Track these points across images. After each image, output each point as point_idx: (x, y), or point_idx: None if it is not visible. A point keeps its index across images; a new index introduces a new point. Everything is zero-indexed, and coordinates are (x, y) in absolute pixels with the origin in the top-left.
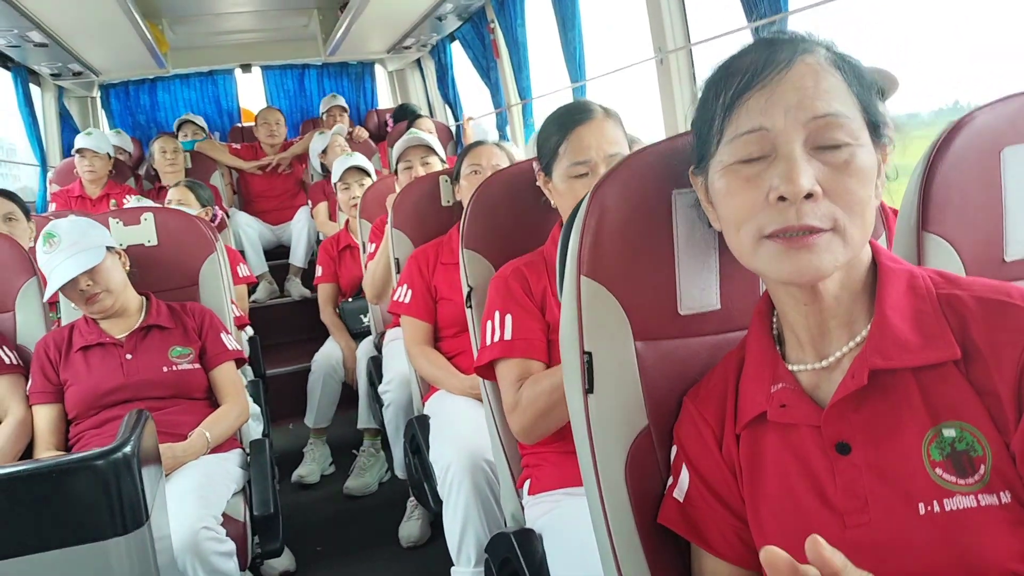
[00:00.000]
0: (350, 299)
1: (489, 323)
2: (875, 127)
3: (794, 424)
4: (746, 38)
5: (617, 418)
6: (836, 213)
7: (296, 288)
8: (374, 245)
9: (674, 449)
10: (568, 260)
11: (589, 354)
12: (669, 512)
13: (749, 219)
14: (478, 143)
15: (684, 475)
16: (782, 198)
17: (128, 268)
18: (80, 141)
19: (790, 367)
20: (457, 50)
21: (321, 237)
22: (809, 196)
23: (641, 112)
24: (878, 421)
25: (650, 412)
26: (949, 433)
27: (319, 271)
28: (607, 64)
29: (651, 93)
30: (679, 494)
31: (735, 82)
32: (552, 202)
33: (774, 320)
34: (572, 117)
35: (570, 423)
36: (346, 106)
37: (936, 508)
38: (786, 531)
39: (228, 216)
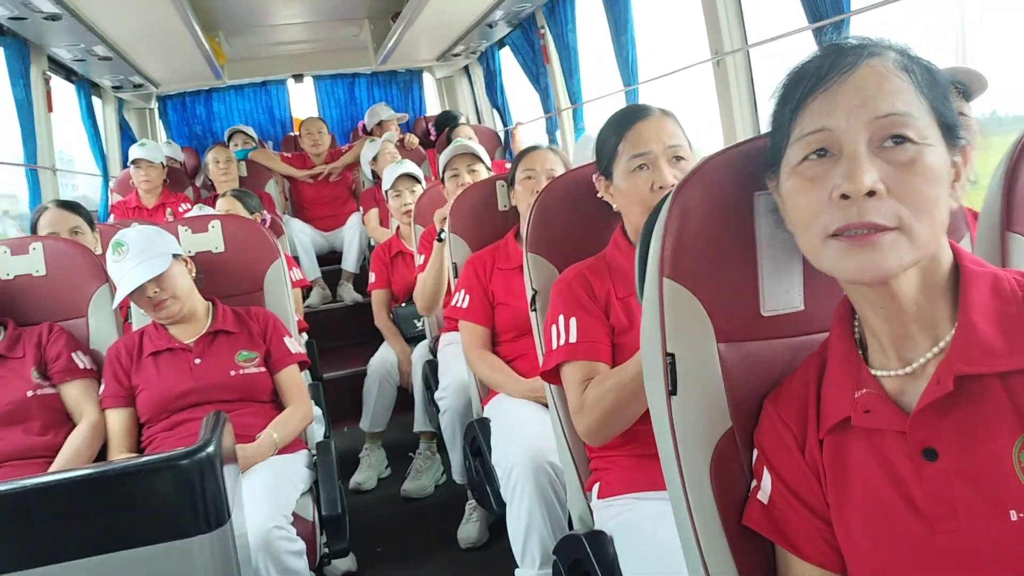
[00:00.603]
0: (403, 304)
1: (553, 327)
2: (949, 129)
3: (879, 430)
4: (806, 39)
5: (701, 420)
6: (901, 211)
7: (348, 293)
8: (423, 257)
9: (755, 452)
10: (649, 262)
11: (672, 356)
12: (754, 514)
13: (814, 219)
14: (532, 148)
15: (766, 478)
16: (845, 196)
17: (195, 275)
18: (135, 152)
19: (873, 372)
20: (505, 56)
21: (372, 243)
22: (872, 194)
23: (697, 117)
24: (966, 427)
25: (733, 413)
26: None
27: (372, 278)
28: (660, 67)
29: (707, 98)
30: (763, 496)
31: (802, 86)
32: (614, 206)
33: (856, 324)
34: (629, 117)
35: (637, 426)
36: (392, 113)
37: None
38: (873, 535)
39: (282, 223)
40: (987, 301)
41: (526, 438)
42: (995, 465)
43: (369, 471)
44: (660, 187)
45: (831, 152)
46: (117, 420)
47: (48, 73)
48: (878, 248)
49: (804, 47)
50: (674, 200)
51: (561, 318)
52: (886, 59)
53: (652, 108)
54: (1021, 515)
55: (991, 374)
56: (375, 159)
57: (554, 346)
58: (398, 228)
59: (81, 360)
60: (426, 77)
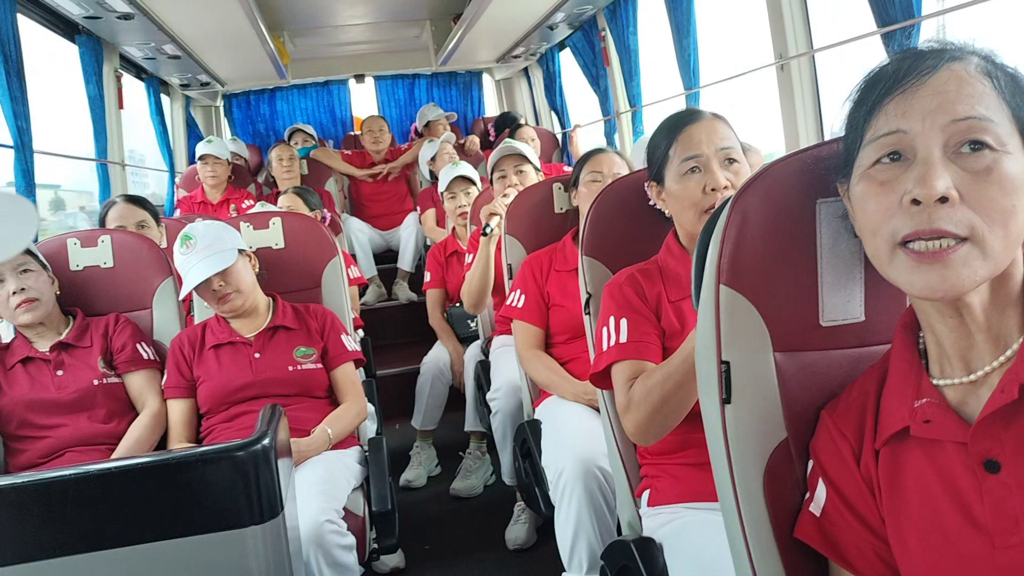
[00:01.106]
0: (458, 304)
1: (604, 329)
2: None
3: (939, 440)
4: (874, 44)
5: (755, 429)
6: (974, 220)
7: (404, 292)
8: (472, 255)
9: (810, 463)
10: (707, 268)
11: (727, 364)
12: (806, 527)
13: (883, 224)
14: (598, 150)
15: (821, 490)
16: (916, 201)
17: (257, 270)
18: (202, 148)
19: (935, 382)
20: (565, 58)
21: (429, 243)
22: (944, 200)
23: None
24: None
25: (788, 424)
26: None
27: (427, 277)
28: (722, 71)
29: (771, 103)
30: (816, 509)
31: (878, 88)
32: (666, 212)
33: (920, 334)
34: (679, 121)
35: (691, 433)
36: (442, 112)
37: None
38: (931, 551)
39: (340, 221)
40: None
41: (577, 442)
42: None
43: (419, 468)
44: (712, 189)
45: (905, 156)
46: (178, 410)
47: (119, 71)
48: (949, 265)
49: (872, 52)
50: (733, 206)
51: (612, 320)
52: (968, 63)
53: (703, 112)
54: None
55: None
56: (433, 159)
57: (604, 347)
58: (454, 228)
59: (145, 351)
60: (485, 79)
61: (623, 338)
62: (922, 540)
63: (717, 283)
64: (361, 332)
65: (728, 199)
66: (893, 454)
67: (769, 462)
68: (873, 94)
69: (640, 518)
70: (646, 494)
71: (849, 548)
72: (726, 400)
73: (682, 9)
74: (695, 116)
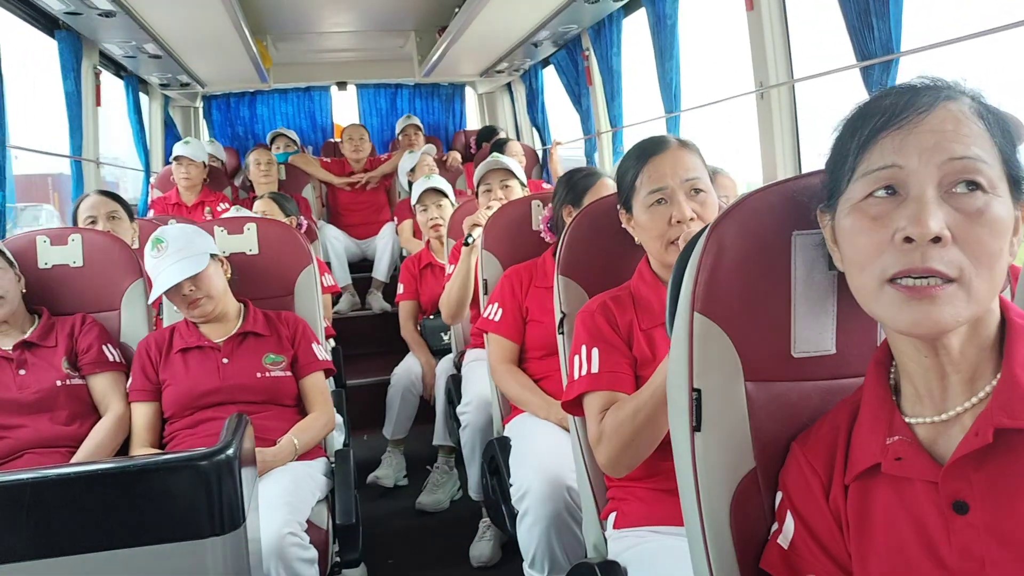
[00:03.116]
0: (431, 316)
1: (576, 358)
2: (1017, 182)
3: (909, 478)
4: (853, 77)
5: (723, 458)
6: (963, 262)
7: (377, 301)
8: (453, 267)
9: (779, 495)
10: (681, 295)
11: (698, 391)
12: (772, 558)
13: (873, 260)
14: (596, 176)
15: (789, 522)
16: (908, 239)
17: (229, 275)
18: (178, 149)
19: (907, 419)
20: (548, 75)
21: (405, 253)
22: (937, 240)
23: (740, 148)
24: (1001, 482)
25: (757, 454)
26: None
27: (401, 288)
28: (704, 96)
29: (753, 128)
30: (783, 541)
31: (873, 121)
32: (636, 239)
33: (892, 370)
34: (647, 150)
35: (659, 461)
36: (420, 125)
37: None
38: None
39: (316, 228)
40: None
41: (545, 462)
42: None
43: (389, 469)
44: (678, 221)
45: (898, 191)
46: (142, 414)
47: (99, 68)
48: (936, 302)
49: (851, 85)
50: (710, 236)
51: (584, 348)
52: (962, 103)
53: (670, 140)
54: None
55: None
56: (413, 170)
57: (576, 376)
58: (428, 241)
59: (111, 353)
60: (468, 92)
61: (595, 368)
62: None
63: (691, 311)
64: (333, 341)
65: (705, 228)
66: (863, 490)
67: (737, 491)
68: (868, 127)
69: (606, 540)
70: (612, 516)
71: None
72: (696, 428)
73: (666, 33)
74: (661, 146)
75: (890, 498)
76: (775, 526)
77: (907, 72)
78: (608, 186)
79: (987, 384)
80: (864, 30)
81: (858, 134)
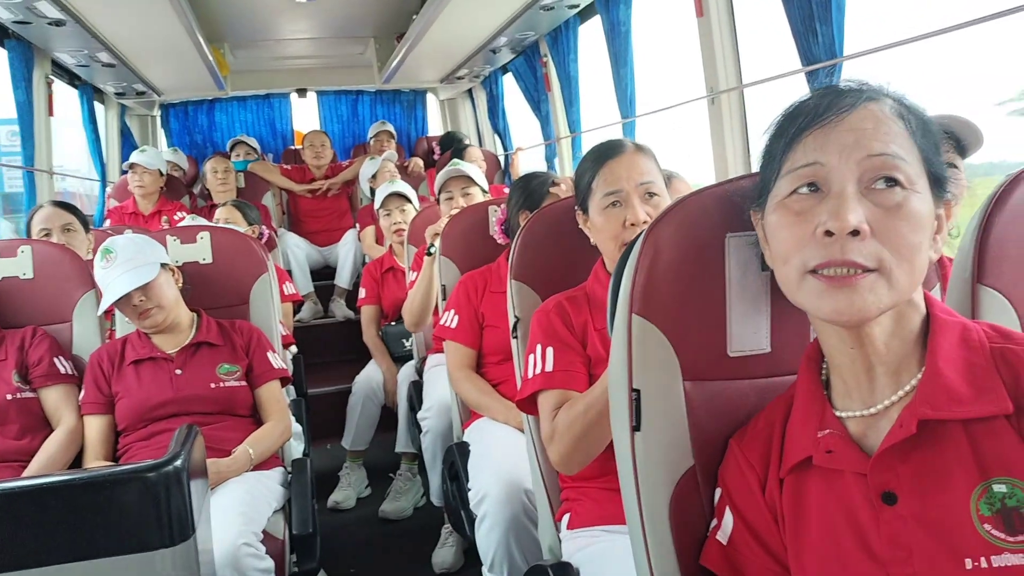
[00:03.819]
0: (393, 323)
1: (531, 356)
2: (937, 181)
3: (839, 471)
4: (799, 81)
5: (663, 456)
6: (882, 254)
7: (340, 309)
8: (415, 274)
9: (718, 491)
10: (620, 297)
11: (637, 391)
12: (711, 554)
13: (796, 253)
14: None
15: (728, 518)
16: (829, 233)
17: (181, 285)
18: (132, 157)
19: (837, 413)
20: (508, 81)
21: (367, 260)
22: (856, 233)
23: (694, 151)
24: (926, 472)
25: (696, 452)
26: (999, 489)
27: (362, 293)
28: (659, 101)
29: (706, 132)
30: (722, 536)
31: (798, 121)
32: (592, 240)
33: (823, 366)
34: (603, 154)
35: (610, 460)
36: (394, 132)
37: (984, 564)
38: None
39: (277, 235)
40: (955, 350)
41: (503, 465)
42: (952, 512)
43: (348, 490)
44: (632, 224)
45: (820, 188)
46: (95, 427)
47: (51, 77)
48: (857, 290)
49: (798, 89)
50: (647, 238)
51: (539, 347)
52: (883, 104)
53: (626, 144)
54: (976, 564)
55: (954, 420)
56: (374, 177)
57: (530, 375)
58: (391, 245)
59: (63, 365)
60: (430, 98)
61: (549, 367)
62: (819, 567)
63: (629, 312)
64: (294, 349)
65: (641, 232)
66: (797, 483)
67: (676, 489)
68: (793, 127)
69: (560, 542)
70: (566, 517)
71: (752, 575)
72: (636, 427)
73: (620, 39)
74: (617, 150)
75: (823, 491)
76: (714, 522)
77: (851, 75)
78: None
79: (912, 378)
80: (809, 35)
81: (785, 134)
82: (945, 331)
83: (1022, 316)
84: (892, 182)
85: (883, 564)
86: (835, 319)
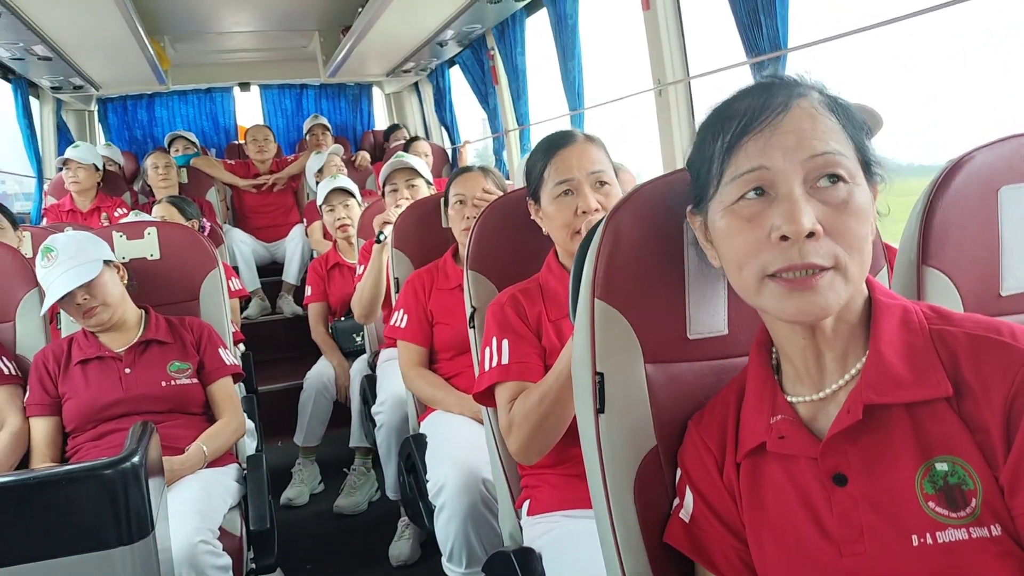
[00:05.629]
0: (342, 318)
1: (487, 350)
2: (867, 165)
3: (793, 455)
4: (745, 73)
5: (627, 438)
6: (837, 251)
7: (288, 305)
8: (363, 267)
9: (679, 471)
10: (583, 283)
11: (601, 375)
12: (675, 532)
13: (752, 258)
14: (463, 170)
15: (689, 497)
16: (784, 237)
17: (127, 282)
18: (66, 153)
19: (788, 398)
20: (455, 74)
21: (316, 255)
22: (811, 235)
23: (642, 143)
24: (873, 454)
25: (658, 433)
26: (941, 467)
27: (308, 291)
28: (607, 93)
29: (653, 124)
30: (684, 515)
31: (733, 125)
32: (544, 229)
33: (773, 352)
34: (554, 144)
35: (567, 447)
36: (328, 125)
37: (929, 540)
38: (786, 557)
39: (222, 231)
40: (896, 333)
41: (461, 455)
42: (899, 492)
43: (301, 486)
44: (583, 211)
45: (767, 191)
46: (41, 429)
47: None
48: (817, 290)
49: (744, 80)
50: (607, 224)
51: (494, 340)
52: (812, 98)
53: (576, 134)
54: (922, 540)
55: (898, 404)
56: (320, 171)
57: (487, 368)
58: (335, 241)
59: (6, 366)
60: (375, 91)
61: (505, 359)
62: (778, 547)
63: (592, 297)
64: (243, 347)
65: (603, 219)
66: (753, 466)
67: (640, 469)
68: (729, 131)
69: (521, 528)
70: (527, 504)
71: (715, 552)
72: (600, 410)
73: (567, 32)
74: (568, 139)
75: (778, 474)
76: (676, 501)
77: (795, 67)
78: (480, 182)
79: (857, 361)
80: (753, 28)
81: (720, 138)
82: (887, 314)
83: (964, 295)
84: (836, 178)
85: (836, 543)
86: (799, 319)
